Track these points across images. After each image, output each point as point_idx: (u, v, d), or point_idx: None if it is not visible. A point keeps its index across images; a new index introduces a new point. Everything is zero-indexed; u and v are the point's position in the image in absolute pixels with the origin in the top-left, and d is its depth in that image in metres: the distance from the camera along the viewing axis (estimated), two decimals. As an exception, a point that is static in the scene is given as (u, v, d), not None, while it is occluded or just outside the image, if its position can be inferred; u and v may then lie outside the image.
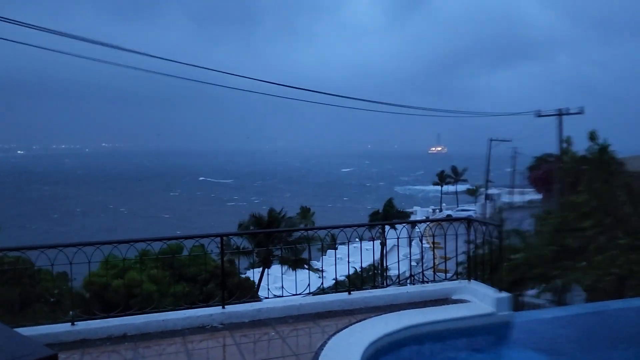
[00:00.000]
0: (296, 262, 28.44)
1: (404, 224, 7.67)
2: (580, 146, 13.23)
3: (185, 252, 17.99)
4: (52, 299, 14.33)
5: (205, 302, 6.84)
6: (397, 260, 8.44)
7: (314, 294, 7.21)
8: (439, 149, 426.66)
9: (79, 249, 5.70)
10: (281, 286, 6.80)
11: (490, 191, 65.02)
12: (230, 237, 7.06)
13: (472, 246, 7.22)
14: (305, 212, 60.38)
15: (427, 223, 7.97)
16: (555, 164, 32.84)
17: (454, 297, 7.05)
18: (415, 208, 70.92)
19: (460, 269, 8.53)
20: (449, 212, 65.72)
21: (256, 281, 29.67)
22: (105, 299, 17.35)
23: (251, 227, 33.39)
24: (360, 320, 6.17)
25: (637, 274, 9.39)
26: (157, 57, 12.44)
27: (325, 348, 5.32)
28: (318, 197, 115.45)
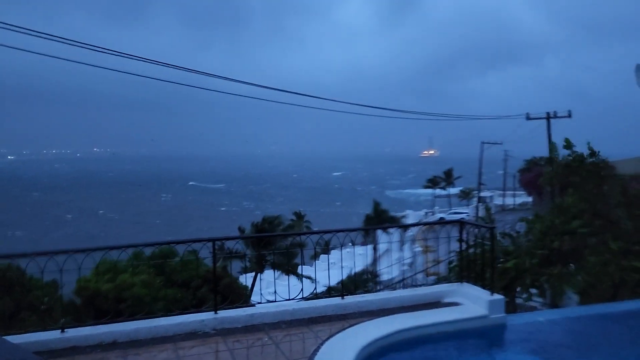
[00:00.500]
0: (289, 268, 28.39)
1: (395, 228, 7.67)
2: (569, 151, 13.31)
3: (177, 258, 17.96)
4: (42, 307, 14.20)
5: (198, 307, 6.77)
6: (389, 265, 8.43)
7: (307, 298, 7.19)
8: (431, 152, 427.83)
9: (69, 256, 5.64)
10: (274, 291, 6.77)
11: (482, 194, 65.30)
12: (224, 241, 7.01)
13: (464, 249, 7.22)
14: (299, 218, 60.46)
15: (420, 226, 7.98)
16: (545, 167, 33.02)
17: (446, 300, 7.04)
18: (408, 211, 70.98)
19: (452, 272, 8.54)
20: (441, 215, 65.87)
21: (249, 286, 29.60)
22: (95, 304, 17.22)
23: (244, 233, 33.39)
24: (353, 325, 6.15)
25: (629, 282, 9.39)
26: (149, 61, 12.38)
27: (318, 353, 5.30)
28: (310, 201, 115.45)
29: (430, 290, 7.30)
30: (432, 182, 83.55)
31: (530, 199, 54.31)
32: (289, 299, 6.80)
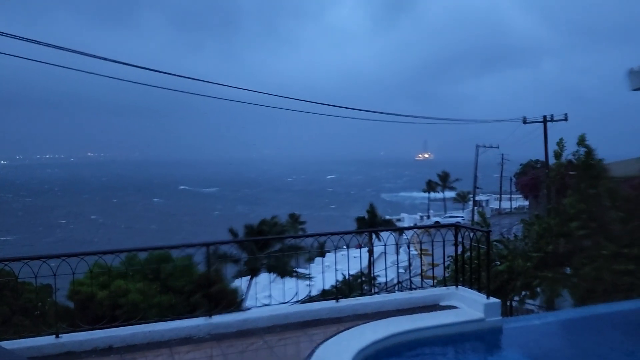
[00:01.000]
0: (284, 270, 28.38)
1: (390, 231, 7.66)
2: (566, 152, 13.36)
3: (171, 264, 17.86)
4: (36, 312, 14.10)
5: (192, 313, 6.76)
6: (384, 267, 8.43)
7: (302, 302, 7.17)
8: (426, 155, 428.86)
9: (62, 260, 5.61)
10: (269, 295, 6.75)
11: (478, 197, 65.43)
12: (218, 245, 6.99)
13: (459, 252, 7.23)
14: (294, 220, 60.39)
15: (415, 229, 7.97)
16: (542, 170, 33.16)
17: (442, 303, 7.04)
18: (403, 215, 71.10)
19: (448, 275, 8.53)
20: (436, 218, 65.95)
21: (244, 290, 29.51)
22: (90, 310, 17.11)
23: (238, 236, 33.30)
24: (348, 328, 6.13)
25: (621, 286, 9.40)
26: (140, 67, 12.35)
27: (313, 357, 5.29)
28: (305, 205, 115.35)
29: (426, 293, 7.30)
30: (428, 186, 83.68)
31: (526, 203, 54.48)
32: (283, 303, 6.79)
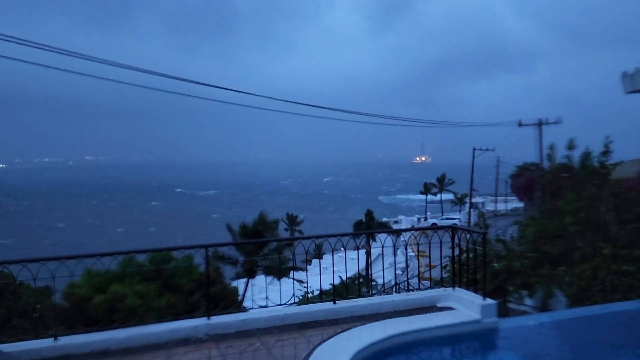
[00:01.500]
0: (281, 272, 28.33)
1: (387, 234, 7.69)
2: (561, 155, 13.46)
3: (172, 263, 17.85)
4: (35, 314, 14.06)
5: (191, 313, 6.77)
6: (382, 269, 8.47)
7: (299, 303, 7.19)
8: (423, 158, 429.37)
9: (61, 263, 5.62)
10: (266, 296, 6.77)
11: (474, 199, 65.52)
12: (217, 247, 7.02)
13: (456, 254, 7.26)
14: (292, 221, 60.36)
15: (413, 231, 8.01)
16: (537, 172, 33.27)
17: (439, 304, 7.07)
18: (401, 217, 71.23)
19: (445, 277, 8.58)
20: (434, 220, 66.03)
21: (241, 291, 29.50)
22: (87, 314, 17.06)
23: (237, 237, 33.23)
24: (345, 330, 6.15)
25: (620, 287, 9.45)
26: (137, 70, 12.39)
27: (310, 358, 5.31)
28: (302, 208, 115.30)
29: (423, 294, 7.32)
30: (425, 189, 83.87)
31: (521, 205, 54.59)
32: (280, 304, 6.81)
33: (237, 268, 31.55)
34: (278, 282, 27.10)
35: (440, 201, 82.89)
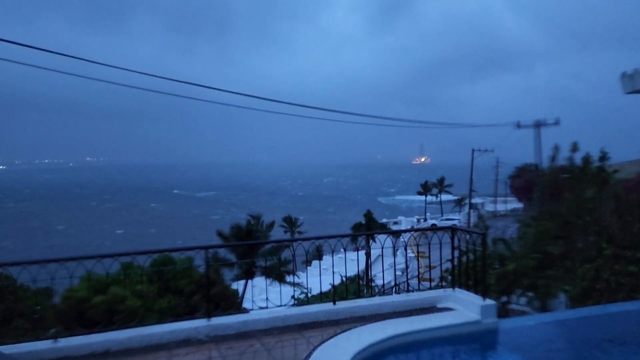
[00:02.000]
0: (280, 275, 28.33)
1: (387, 235, 7.69)
2: (564, 156, 13.47)
3: (172, 266, 17.86)
4: (35, 316, 14.10)
5: (191, 314, 6.76)
6: (382, 270, 8.46)
7: (299, 304, 7.19)
8: (423, 159, 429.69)
9: (61, 264, 5.62)
10: (266, 297, 6.78)
11: (474, 200, 65.55)
12: (217, 249, 7.02)
13: (456, 254, 7.26)
14: (290, 224, 60.27)
15: (412, 232, 8.01)
16: (535, 173, 33.30)
17: (439, 305, 7.07)
18: (400, 218, 71.24)
19: (445, 278, 8.58)
20: (433, 221, 66.04)
21: (239, 293, 29.51)
22: (86, 316, 17.08)
23: (231, 239, 33.14)
24: (345, 330, 6.15)
25: (625, 286, 9.45)
26: (136, 72, 12.39)
27: (310, 359, 5.31)
28: (302, 209, 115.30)
29: (423, 295, 7.33)
30: (424, 189, 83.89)
31: (521, 205, 54.62)
32: (280, 305, 6.81)
33: (234, 270, 31.51)
34: (278, 283, 27.14)
35: (440, 202, 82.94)
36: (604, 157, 11.29)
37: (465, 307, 6.77)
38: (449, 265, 7.54)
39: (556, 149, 12.03)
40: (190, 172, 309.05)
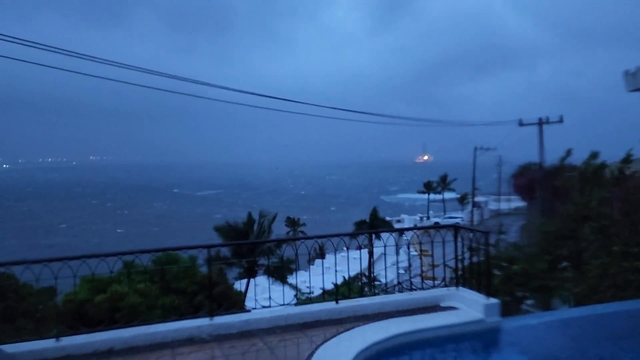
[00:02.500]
0: (282, 275, 28.32)
1: (390, 233, 7.68)
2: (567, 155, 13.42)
3: (174, 265, 17.85)
4: (37, 314, 14.09)
5: (194, 314, 6.76)
6: (384, 268, 8.45)
7: (302, 303, 7.18)
8: (425, 158, 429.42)
9: (64, 263, 5.61)
10: (268, 297, 6.77)
11: (477, 198, 65.49)
12: (219, 247, 7.02)
13: (459, 253, 7.24)
14: (293, 224, 60.25)
15: (415, 231, 7.99)
16: (538, 171, 33.20)
17: (443, 304, 7.06)
18: (403, 216, 71.17)
19: (448, 276, 8.55)
20: (436, 219, 65.97)
21: (243, 292, 29.49)
22: (88, 314, 17.07)
23: (229, 237, 33.07)
24: (348, 329, 6.14)
25: (634, 282, 9.41)
26: (140, 70, 12.38)
27: (313, 358, 5.30)
28: (304, 208, 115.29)
29: (426, 294, 7.31)
30: (426, 187, 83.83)
31: (524, 204, 54.53)
32: (283, 304, 6.80)
33: (233, 269, 31.48)
34: (280, 283, 27.13)
35: (443, 200, 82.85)
36: (628, 159, 11.26)
37: (468, 306, 6.76)
38: (452, 263, 7.52)
39: (568, 152, 11.98)
40: (193, 171, 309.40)
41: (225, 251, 30.08)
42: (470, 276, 7.28)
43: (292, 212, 64.32)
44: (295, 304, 7.26)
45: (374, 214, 45.47)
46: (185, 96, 16.06)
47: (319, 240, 7.22)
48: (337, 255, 6.77)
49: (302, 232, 59.70)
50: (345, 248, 7.26)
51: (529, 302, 12.33)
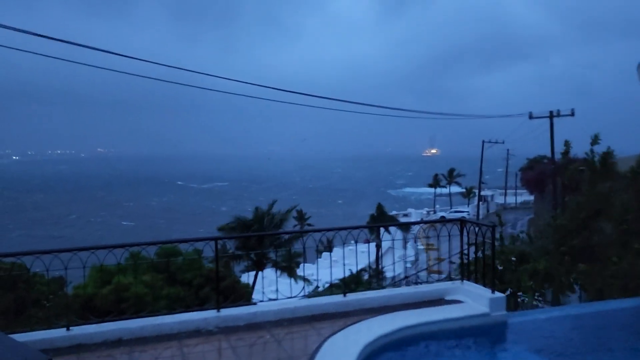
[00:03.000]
0: (290, 268, 28.39)
1: (397, 227, 7.70)
2: (577, 148, 13.28)
3: (180, 257, 17.96)
4: (47, 304, 14.24)
5: (201, 306, 6.81)
6: (392, 262, 8.47)
7: (309, 296, 7.22)
8: (433, 151, 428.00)
9: (74, 254, 5.68)
10: (276, 289, 6.80)
11: (483, 192, 65.25)
12: (225, 240, 7.05)
13: (465, 247, 7.25)
14: (300, 218, 60.39)
15: (421, 225, 8.00)
16: (548, 165, 33.02)
17: (448, 297, 7.07)
18: (410, 210, 71.10)
19: (454, 270, 8.57)
20: (442, 213, 65.86)
21: (251, 284, 29.61)
22: (96, 306, 17.20)
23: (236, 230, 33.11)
24: (355, 322, 6.18)
25: None
26: (146, 61, 12.38)
27: (320, 350, 5.34)
28: (312, 201, 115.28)
29: (432, 287, 7.33)
30: (434, 181, 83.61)
31: (531, 198, 54.35)
32: (291, 297, 6.83)
33: (240, 263, 31.56)
34: (288, 276, 27.22)
35: (449, 194, 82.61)
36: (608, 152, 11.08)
37: (474, 300, 6.77)
38: (457, 257, 7.53)
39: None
40: (201, 163, 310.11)
41: (230, 245, 30.13)
42: (476, 270, 7.28)
43: (299, 205, 64.35)
44: (306, 296, 7.29)
45: (380, 208, 45.43)
46: (194, 88, 16.02)
47: (327, 234, 7.24)
48: (345, 249, 6.79)
49: (309, 224, 59.83)
50: (353, 241, 7.27)
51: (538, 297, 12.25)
